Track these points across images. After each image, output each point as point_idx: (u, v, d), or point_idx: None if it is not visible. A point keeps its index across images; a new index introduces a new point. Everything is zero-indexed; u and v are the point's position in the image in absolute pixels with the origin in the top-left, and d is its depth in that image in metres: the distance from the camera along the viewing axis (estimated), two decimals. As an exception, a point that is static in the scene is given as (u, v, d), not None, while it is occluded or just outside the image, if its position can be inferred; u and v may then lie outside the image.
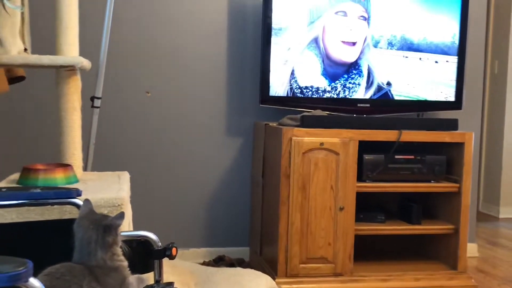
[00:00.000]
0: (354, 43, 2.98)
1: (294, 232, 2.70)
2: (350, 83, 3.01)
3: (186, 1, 3.14)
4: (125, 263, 1.30)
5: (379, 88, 3.04)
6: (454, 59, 3.11)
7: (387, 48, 3.03)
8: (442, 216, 3.02)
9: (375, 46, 3.01)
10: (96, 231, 1.27)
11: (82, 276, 1.19)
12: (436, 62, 3.08)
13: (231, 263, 3.08)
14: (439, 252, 3.05)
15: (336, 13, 2.96)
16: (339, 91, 3.00)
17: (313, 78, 2.98)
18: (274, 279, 2.67)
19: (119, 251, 1.30)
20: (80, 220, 1.29)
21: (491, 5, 4.88)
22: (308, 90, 2.98)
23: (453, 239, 2.92)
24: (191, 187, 3.21)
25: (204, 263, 3.09)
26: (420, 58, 3.06)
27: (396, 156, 2.84)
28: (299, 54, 2.96)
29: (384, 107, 3.09)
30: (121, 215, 1.29)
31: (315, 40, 2.96)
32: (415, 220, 2.91)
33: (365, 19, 2.99)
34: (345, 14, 2.97)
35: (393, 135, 2.79)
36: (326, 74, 2.99)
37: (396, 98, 3.08)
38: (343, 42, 2.98)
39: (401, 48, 3.05)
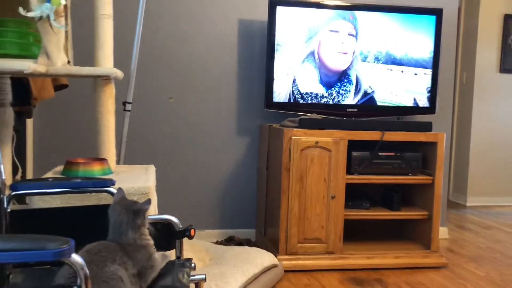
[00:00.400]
0: (345, 53, 2.98)
1: (293, 216, 2.70)
2: (342, 90, 3.01)
3: (203, 21, 3.13)
4: (152, 242, 1.30)
5: (365, 93, 3.04)
6: (430, 72, 3.10)
7: (374, 62, 3.02)
8: (418, 204, 3.01)
9: (364, 60, 3.01)
10: (127, 215, 1.27)
11: (116, 252, 1.20)
12: (416, 74, 3.07)
13: (240, 243, 3.08)
14: (415, 234, 3.05)
15: (330, 30, 2.95)
16: (334, 97, 3.00)
17: (312, 86, 2.97)
18: (276, 256, 2.67)
19: (146, 231, 1.30)
20: (114, 205, 1.29)
21: (460, 25, 4.86)
22: (308, 96, 2.97)
23: (427, 223, 2.91)
24: (206, 178, 3.21)
25: (217, 242, 3.09)
26: (402, 71, 3.05)
27: (380, 153, 2.83)
28: (299, 65, 2.95)
29: (369, 111, 3.08)
30: (148, 201, 1.30)
31: (312, 54, 2.95)
32: (396, 207, 2.90)
33: (353, 35, 2.99)
34: (336, 31, 2.96)
35: (377, 135, 2.78)
36: (323, 82, 2.98)
37: (379, 104, 3.07)
38: (336, 53, 2.97)
39: (385, 62, 3.04)
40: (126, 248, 1.23)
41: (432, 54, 3.09)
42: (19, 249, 0.80)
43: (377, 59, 3.01)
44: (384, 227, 3.22)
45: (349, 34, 2.97)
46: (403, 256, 2.83)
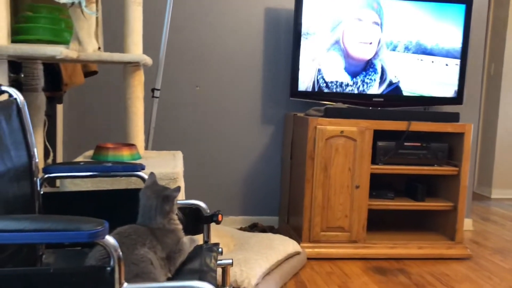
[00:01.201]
0: (370, 42, 2.92)
1: (316, 205, 2.68)
2: (367, 79, 2.96)
3: (230, 10, 3.11)
4: (180, 226, 1.31)
5: (390, 83, 2.98)
6: (458, 62, 3.02)
7: (404, 51, 2.96)
8: (443, 195, 2.96)
9: (393, 49, 2.94)
10: (156, 200, 1.27)
11: (145, 236, 1.20)
12: (447, 64, 2.99)
13: (263, 229, 3.08)
14: (439, 225, 3.00)
15: (355, 19, 2.90)
16: (359, 85, 2.96)
17: (337, 74, 2.93)
18: (299, 243, 2.66)
19: (175, 216, 1.30)
20: (145, 189, 1.30)
21: (490, 15, 4.73)
22: (333, 84, 2.93)
23: (451, 214, 2.86)
24: (231, 166, 3.21)
25: (241, 229, 3.09)
26: (432, 61, 2.99)
27: (405, 143, 2.78)
28: (324, 54, 2.91)
29: (395, 101, 3.02)
30: (178, 189, 1.30)
31: (337, 42, 2.91)
32: (420, 197, 2.85)
33: (378, 24, 2.93)
34: (360, 20, 2.90)
35: (403, 125, 2.73)
36: (348, 71, 2.94)
37: (405, 94, 3.01)
38: (360, 42, 2.92)
39: (416, 52, 2.97)
40: (155, 232, 1.23)
41: (461, 44, 3.01)
42: (55, 229, 0.81)
43: (407, 48, 2.95)
44: (408, 218, 3.18)
45: (374, 23, 2.91)
46: (427, 247, 2.80)
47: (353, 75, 2.94)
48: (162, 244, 1.23)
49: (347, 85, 2.94)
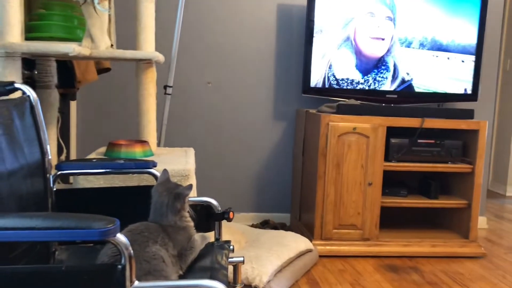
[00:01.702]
0: (382, 39, 2.89)
1: (328, 202, 2.66)
2: (379, 76, 2.93)
3: (242, 5, 3.10)
4: (192, 224, 1.30)
5: (403, 81, 2.95)
6: (473, 58, 2.98)
7: (419, 48, 2.92)
8: (457, 193, 2.92)
9: (408, 46, 2.91)
10: (168, 197, 1.27)
11: (157, 233, 1.20)
12: (463, 61, 2.95)
13: (275, 226, 3.07)
14: (453, 223, 2.96)
15: (366, 14, 2.87)
16: (370, 83, 2.93)
17: (348, 71, 2.90)
18: (311, 241, 2.65)
19: (186, 214, 1.30)
20: (157, 186, 1.30)
21: (506, 10, 4.66)
22: (344, 82, 2.91)
23: (465, 212, 2.82)
24: (243, 162, 3.20)
25: (252, 226, 3.09)
26: (448, 58, 2.94)
27: (419, 140, 2.75)
28: (336, 51, 2.89)
29: (409, 98, 2.99)
30: (190, 187, 1.29)
31: (348, 39, 2.88)
32: (433, 195, 2.82)
33: (391, 19, 2.89)
34: (373, 14, 2.87)
35: (416, 122, 2.70)
36: (359, 68, 2.91)
37: (418, 90, 2.97)
38: (372, 38, 2.88)
39: (431, 48, 2.93)
40: (167, 229, 1.23)
41: (476, 39, 2.96)
42: (66, 227, 0.81)
43: (422, 45, 2.91)
44: (421, 216, 3.15)
45: (387, 18, 2.88)
46: (440, 245, 2.77)
47: (365, 72, 2.91)
48: (173, 241, 1.23)
49: (358, 82, 2.92)
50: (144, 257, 1.13)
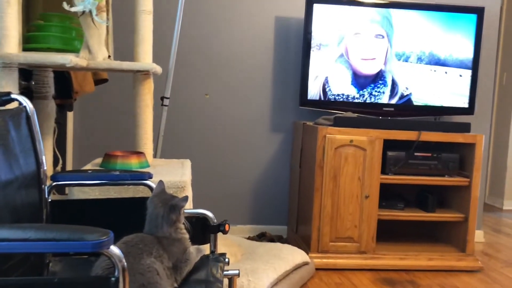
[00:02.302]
0: (373, 59, 2.90)
1: (325, 215, 2.66)
2: (375, 91, 2.94)
3: (239, 18, 3.12)
4: (187, 236, 1.30)
5: (402, 96, 2.96)
6: (470, 72, 3.00)
7: (416, 62, 2.94)
8: (454, 206, 2.92)
9: (406, 60, 2.92)
10: (163, 208, 1.26)
11: (152, 245, 1.19)
12: (461, 75, 2.96)
13: (272, 239, 3.05)
14: (450, 236, 2.96)
15: (354, 35, 2.89)
16: (366, 98, 2.94)
17: (343, 87, 2.92)
18: (307, 253, 2.64)
19: (181, 226, 1.29)
20: (153, 197, 1.29)
21: (502, 25, 4.70)
22: (339, 97, 2.92)
23: (462, 226, 2.82)
24: (239, 174, 3.20)
25: (249, 238, 3.08)
26: (446, 72, 2.96)
27: (416, 153, 2.76)
28: (332, 66, 2.90)
29: (406, 111, 3.00)
30: (185, 198, 1.29)
31: (342, 56, 2.90)
32: (430, 208, 2.82)
33: (382, 36, 2.91)
34: (361, 35, 2.89)
35: (413, 135, 2.71)
36: (355, 83, 2.93)
37: (416, 104, 2.99)
38: (362, 59, 2.90)
39: (428, 63, 2.95)
40: (162, 241, 1.23)
41: (472, 54, 2.99)
42: (59, 239, 0.80)
43: (420, 59, 2.93)
44: (418, 229, 3.14)
45: (377, 36, 2.90)
46: (437, 258, 2.76)
47: (361, 87, 2.92)
48: (168, 253, 1.22)
49: (354, 97, 2.92)
50: (139, 269, 1.12)
